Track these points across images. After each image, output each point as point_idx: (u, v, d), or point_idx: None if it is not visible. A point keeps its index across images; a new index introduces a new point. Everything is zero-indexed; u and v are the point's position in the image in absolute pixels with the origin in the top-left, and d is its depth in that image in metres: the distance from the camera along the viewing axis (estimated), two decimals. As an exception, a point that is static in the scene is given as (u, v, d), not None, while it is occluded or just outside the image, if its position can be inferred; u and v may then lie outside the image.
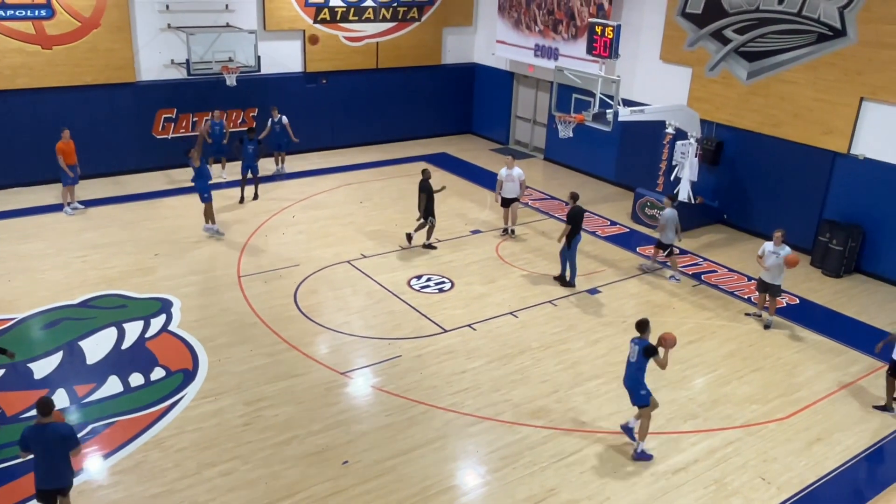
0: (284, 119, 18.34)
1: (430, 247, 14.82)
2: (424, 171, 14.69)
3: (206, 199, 14.74)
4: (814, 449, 9.50)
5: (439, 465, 8.89)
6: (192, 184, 14.82)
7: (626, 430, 9.29)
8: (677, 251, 14.33)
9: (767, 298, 12.48)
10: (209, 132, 17.10)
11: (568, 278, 13.58)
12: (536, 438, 9.41)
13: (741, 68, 16.10)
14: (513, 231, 15.78)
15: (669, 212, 13.83)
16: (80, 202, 16.26)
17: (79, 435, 8.08)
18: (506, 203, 15.55)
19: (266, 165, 18.52)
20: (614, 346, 11.66)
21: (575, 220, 13.22)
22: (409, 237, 14.81)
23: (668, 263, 14.24)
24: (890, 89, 13.79)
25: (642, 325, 8.93)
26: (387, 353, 11.14)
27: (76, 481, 7.99)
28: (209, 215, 14.94)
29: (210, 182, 14.80)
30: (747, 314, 12.83)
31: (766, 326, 12.44)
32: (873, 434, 9.86)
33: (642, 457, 9.11)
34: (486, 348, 11.41)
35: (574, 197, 13.44)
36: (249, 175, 16.77)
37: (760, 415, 10.14)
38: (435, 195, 14.63)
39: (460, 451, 9.19)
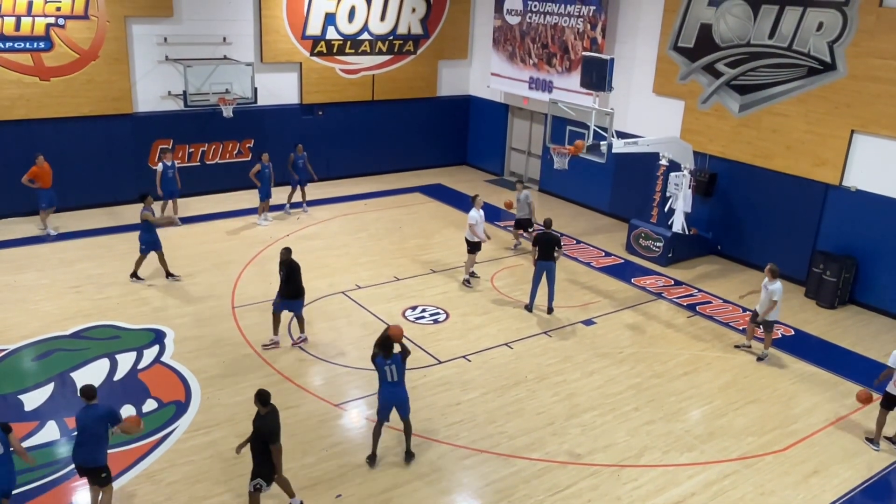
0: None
1: None
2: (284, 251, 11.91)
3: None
4: (811, 482, 9.43)
5: (434, 498, 8.80)
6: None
7: None
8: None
9: (759, 330, 12.51)
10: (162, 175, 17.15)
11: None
12: (532, 471, 9.32)
13: (733, 101, 16.28)
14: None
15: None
16: (72, 232, 16.33)
17: (70, 468, 7.97)
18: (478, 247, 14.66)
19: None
20: (610, 377, 11.61)
21: (538, 243, 13.26)
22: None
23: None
24: (880, 122, 13.95)
25: None
26: (381, 385, 11.05)
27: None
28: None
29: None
30: (737, 346, 12.80)
31: (759, 359, 12.42)
32: (869, 467, 9.81)
33: None
34: (481, 380, 11.35)
35: (546, 223, 13.55)
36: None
37: (757, 447, 10.09)
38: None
39: (455, 484, 9.10)
